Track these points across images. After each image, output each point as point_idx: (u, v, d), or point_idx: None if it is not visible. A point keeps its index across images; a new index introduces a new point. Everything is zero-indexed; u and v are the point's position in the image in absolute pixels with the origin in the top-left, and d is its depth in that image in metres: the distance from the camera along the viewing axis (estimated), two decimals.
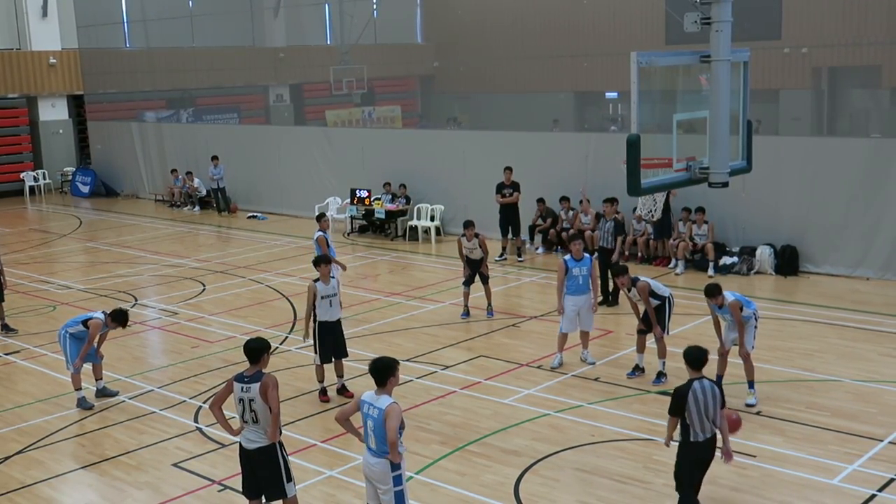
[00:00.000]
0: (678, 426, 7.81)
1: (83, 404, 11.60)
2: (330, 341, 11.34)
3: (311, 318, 11.33)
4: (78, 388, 11.68)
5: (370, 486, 7.23)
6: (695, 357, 7.85)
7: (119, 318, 11.72)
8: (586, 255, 12.54)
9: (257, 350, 7.61)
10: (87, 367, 11.84)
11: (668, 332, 11.70)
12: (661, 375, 11.60)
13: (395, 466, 7.04)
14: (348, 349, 11.66)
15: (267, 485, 7.67)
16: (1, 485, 9.52)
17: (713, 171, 10.35)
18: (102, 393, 11.93)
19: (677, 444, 7.91)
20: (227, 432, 7.95)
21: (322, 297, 11.20)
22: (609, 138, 20.59)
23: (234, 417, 7.79)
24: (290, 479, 7.71)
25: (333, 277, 11.47)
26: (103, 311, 11.89)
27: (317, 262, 11.55)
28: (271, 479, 7.62)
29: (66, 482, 9.65)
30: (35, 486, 9.51)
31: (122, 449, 10.31)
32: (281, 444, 7.67)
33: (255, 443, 7.56)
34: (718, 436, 7.85)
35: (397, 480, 7.06)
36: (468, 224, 14.95)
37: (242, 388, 7.51)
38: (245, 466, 7.70)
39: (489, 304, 15.09)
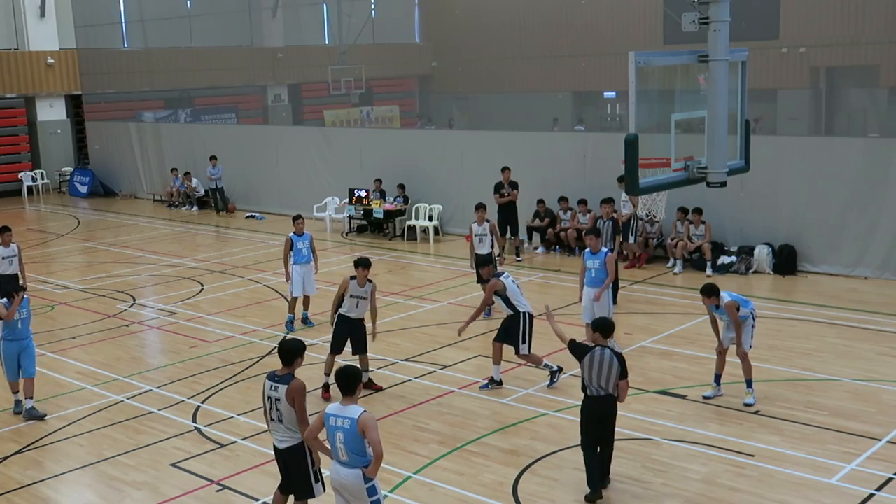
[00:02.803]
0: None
1: (17, 408, 11.29)
2: (345, 334, 11.51)
3: (336, 309, 11.52)
4: (15, 392, 11.32)
5: (341, 499, 7.13)
6: (601, 326, 8.98)
7: (6, 288, 11.42)
8: (603, 248, 12.70)
9: (291, 352, 7.58)
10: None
11: (526, 351, 11.51)
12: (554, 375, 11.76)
13: (368, 478, 6.92)
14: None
15: (297, 484, 7.71)
16: None
17: (711, 170, 10.35)
18: (30, 414, 11.18)
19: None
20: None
21: (352, 296, 11.42)
22: (608, 138, 20.57)
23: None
24: (318, 479, 7.70)
25: (370, 281, 11.53)
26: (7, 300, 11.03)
27: (357, 264, 11.57)
28: (301, 478, 7.65)
29: (64, 482, 9.64)
30: (33, 486, 9.50)
31: (120, 449, 10.30)
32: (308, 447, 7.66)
33: (285, 441, 7.59)
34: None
35: (372, 491, 6.95)
36: (479, 206, 14.87)
37: (272, 387, 7.53)
38: (280, 464, 7.77)
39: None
